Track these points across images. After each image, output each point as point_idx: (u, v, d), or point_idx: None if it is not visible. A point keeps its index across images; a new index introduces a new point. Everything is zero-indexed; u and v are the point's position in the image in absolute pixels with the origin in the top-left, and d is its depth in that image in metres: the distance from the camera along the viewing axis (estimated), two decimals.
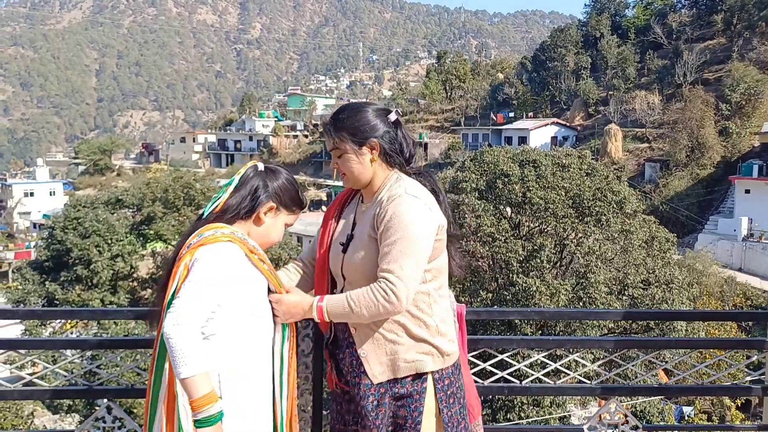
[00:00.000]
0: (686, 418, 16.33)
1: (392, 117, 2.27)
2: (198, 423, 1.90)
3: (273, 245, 2.33)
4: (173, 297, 2.01)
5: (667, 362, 2.91)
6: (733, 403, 16.76)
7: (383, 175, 2.25)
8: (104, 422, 2.77)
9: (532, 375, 2.88)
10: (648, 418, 15.39)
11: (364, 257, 2.17)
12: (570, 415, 15.53)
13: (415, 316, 2.17)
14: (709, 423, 15.90)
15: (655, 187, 37.45)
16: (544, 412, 14.65)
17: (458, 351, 2.27)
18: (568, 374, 2.95)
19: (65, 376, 2.86)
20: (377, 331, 2.17)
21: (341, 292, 2.25)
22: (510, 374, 2.91)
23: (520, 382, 2.95)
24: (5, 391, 2.89)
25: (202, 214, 2.25)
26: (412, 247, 2.08)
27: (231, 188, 2.24)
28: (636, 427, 2.89)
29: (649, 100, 44.53)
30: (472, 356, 2.83)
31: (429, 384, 2.18)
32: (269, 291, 2.21)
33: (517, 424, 13.10)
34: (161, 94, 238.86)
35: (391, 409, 2.17)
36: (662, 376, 16.65)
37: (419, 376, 2.18)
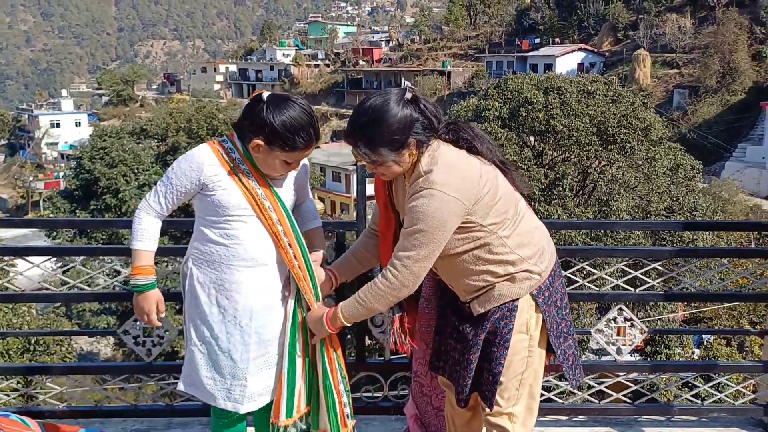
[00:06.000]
0: (704, 342, 16.55)
1: (408, 95, 2.18)
2: None
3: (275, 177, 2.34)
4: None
5: (685, 286, 3.01)
6: (753, 328, 16.90)
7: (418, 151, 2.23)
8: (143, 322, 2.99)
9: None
10: (667, 342, 15.65)
11: None
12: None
13: (497, 261, 2.22)
14: (728, 348, 16.10)
15: (683, 114, 36.69)
16: None
17: (550, 262, 2.31)
18: (577, 282, 3.09)
19: (106, 284, 3.08)
20: (467, 281, 2.26)
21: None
22: None
23: None
24: (52, 294, 3.13)
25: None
26: (426, 239, 2.12)
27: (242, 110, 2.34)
28: (642, 331, 3.05)
29: (680, 24, 43.05)
30: None
31: (520, 303, 2.24)
32: (254, 200, 2.29)
33: None
34: (181, 22, 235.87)
35: (485, 326, 2.26)
36: (681, 310, 16.78)
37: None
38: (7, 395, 3.20)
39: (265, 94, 2.26)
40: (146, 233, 2.30)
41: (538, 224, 2.35)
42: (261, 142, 2.23)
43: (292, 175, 2.42)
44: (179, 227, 2.55)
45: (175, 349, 16.44)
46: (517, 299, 2.23)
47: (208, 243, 2.32)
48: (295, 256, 2.34)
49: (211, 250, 2.31)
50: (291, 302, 2.40)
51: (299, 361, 2.38)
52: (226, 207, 2.27)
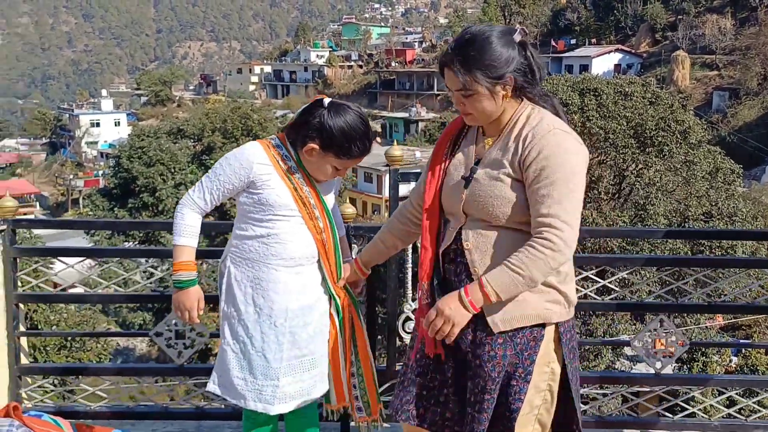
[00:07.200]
0: (742, 351, 16.15)
1: (517, 38, 1.99)
2: None
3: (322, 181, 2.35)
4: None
5: (723, 295, 2.92)
6: None
7: (512, 107, 2.04)
8: (176, 325, 3.00)
9: (582, 291, 2.91)
10: (704, 350, 15.28)
11: (495, 194, 1.99)
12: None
13: None
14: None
15: (722, 117, 35.93)
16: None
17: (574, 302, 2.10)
18: (617, 291, 3.00)
19: (143, 284, 3.09)
20: None
21: (458, 231, 2.07)
22: None
23: None
24: (86, 295, 3.16)
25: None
26: (573, 186, 1.90)
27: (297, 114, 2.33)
28: (684, 343, 2.95)
29: (720, 25, 42.18)
30: None
31: (547, 332, 2.02)
32: (302, 202, 2.28)
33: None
34: (217, 24, 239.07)
35: (506, 360, 2.01)
36: (719, 320, 16.40)
37: (541, 325, 2.01)
38: (41, 395, 3.23)
39: (326, 100, 2.27)
40: (189, 229, 2.28)
41: None
42: (316, 146, 2.24)
43: (335, 180, 2.42)
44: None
45: (209, 346, 16.64)
46: (545, 326, 2.00)
47: (247, 240, 2.31)
48: (328, 259, 2.36)
49: (249, 248, 2.30)
50: (334, 304, 2.41)
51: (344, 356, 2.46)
52: (273, 206, 2.26)
